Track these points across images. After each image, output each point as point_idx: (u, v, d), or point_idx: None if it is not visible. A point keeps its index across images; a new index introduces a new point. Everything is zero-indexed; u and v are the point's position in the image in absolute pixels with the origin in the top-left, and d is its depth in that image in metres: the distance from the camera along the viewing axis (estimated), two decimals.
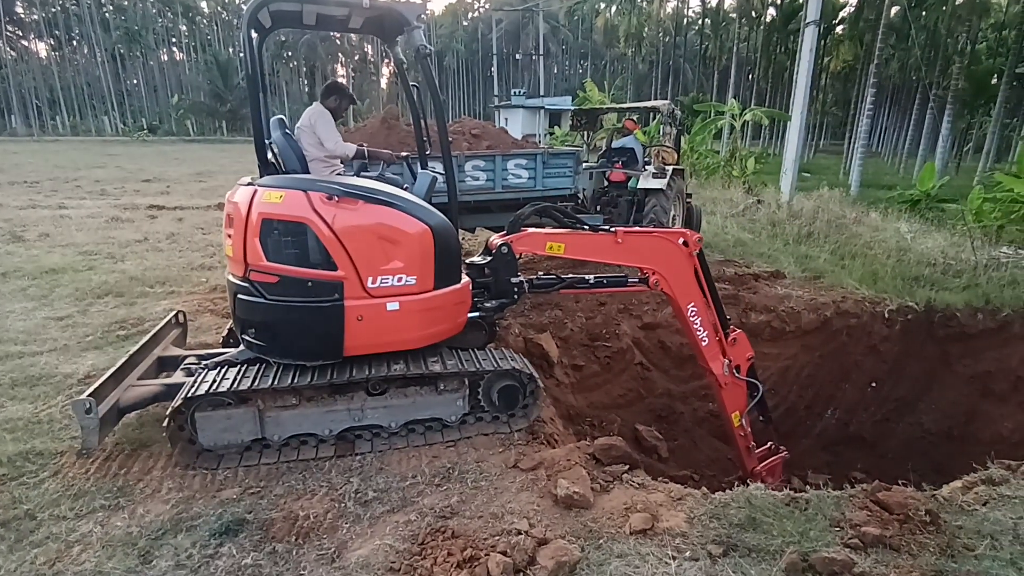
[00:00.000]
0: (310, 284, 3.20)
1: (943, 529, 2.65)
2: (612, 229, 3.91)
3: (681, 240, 4.00)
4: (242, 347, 3.59)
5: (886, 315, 6.75)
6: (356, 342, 3.32)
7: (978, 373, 6.66)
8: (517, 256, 3.93)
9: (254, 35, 3.50)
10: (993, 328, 6.67)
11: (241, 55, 3.48)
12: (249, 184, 3.37)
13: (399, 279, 3.33)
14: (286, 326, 3.26)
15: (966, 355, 6.78)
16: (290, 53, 65.49)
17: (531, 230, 3.95)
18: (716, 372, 4.30)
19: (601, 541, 2.58)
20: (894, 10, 27.79)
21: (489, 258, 3.95)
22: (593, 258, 3.98)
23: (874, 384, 6.92)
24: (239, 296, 3.29)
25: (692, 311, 4.11)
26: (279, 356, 3.37)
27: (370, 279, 3.26)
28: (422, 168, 4.33)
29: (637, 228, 4.35)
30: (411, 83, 4.01)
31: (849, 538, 2.57)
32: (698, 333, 4.17)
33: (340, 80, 4.71)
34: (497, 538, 2.57)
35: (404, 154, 4.82)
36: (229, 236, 3.30)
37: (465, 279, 3.75)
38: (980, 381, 6.64)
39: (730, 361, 4.31)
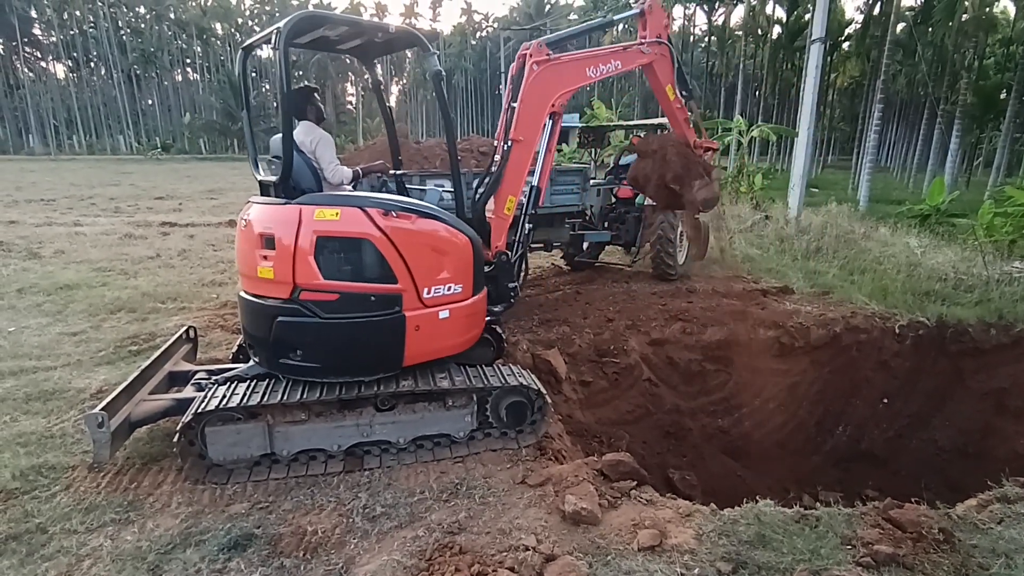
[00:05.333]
0: (373, 298, 3.28)
1: (957, 548, 2.62)
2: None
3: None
4: (252, 363, 3.62)
5: (897, 330, 6.69)
6: (413, 351, 3.45)
7: (992, 389, 6.57)
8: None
9: (250, 54, 3.64)
10: (1007, 343, 6.60)
11: (246, 75, 3.56)
12: (267, 203, 3.38)
13: (449, 288, 3.52)
14: (345, 343, 3.30)
15: (979, 371, 6.69)
16: (301, 72, 66.48)
17: (488, 206, 4.14)
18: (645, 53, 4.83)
19: (609, 558, 2.56)
20: (900, 26, 27.92)
21: (491, 267, 4.15)
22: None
23: (885, 400, 6.84)
24: (281, 319, 3.22)
25: None
26: (333, 375, 3.35)
27: (426, 289, 3.41)
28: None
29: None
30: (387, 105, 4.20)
31: (861, 556, 2.54)
32: None
33: (305, 84, 4.50)
34: (505, 554, 2.56)
35: (400, 172, 4.84)
36: (265, 258, 3.21)
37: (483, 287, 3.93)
38: (994, 397, 6.54)
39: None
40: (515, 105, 4.06)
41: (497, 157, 4.08)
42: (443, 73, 3.65)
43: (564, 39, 4.73)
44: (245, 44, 3.77)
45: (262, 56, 73.67)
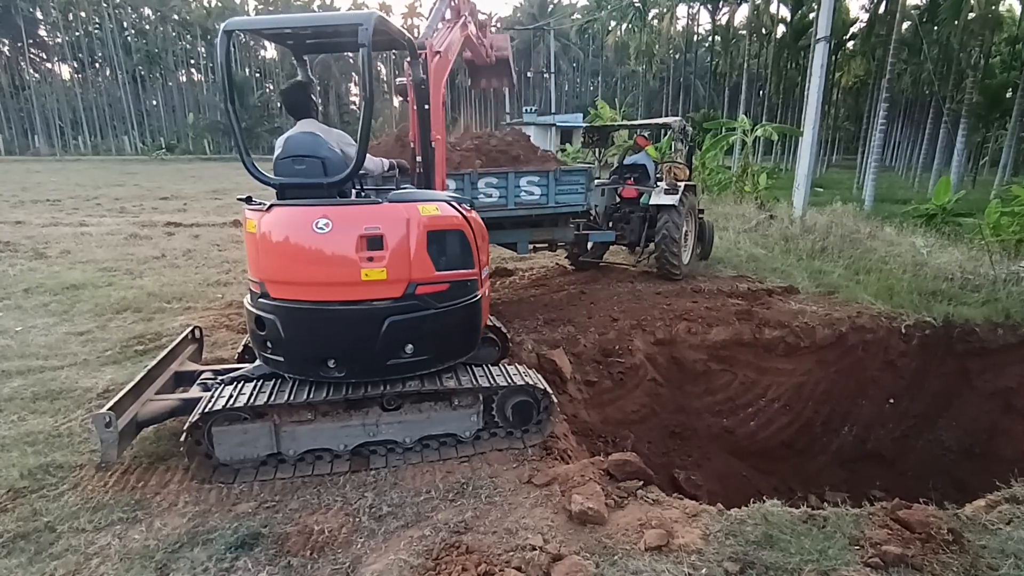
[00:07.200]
0: (468, 283, 3.51)
1: (966, 549, 2.61)
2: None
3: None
4: (258, 362, 3.62)
5: (903, 330, 6.66)
6: (482, 328, 3.86)
7: (999, 389, 6.54)
8: None
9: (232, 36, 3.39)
10: (1014, 343, 6.57)
11: (229, 61, 3.36)
12: (340, 205, 3.25)
13: (487, 270, 3.92)
14: (452, 329, 3.51)
15: (987, 371, 6.67)
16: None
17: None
18: None
19: (616, 557, 2.56)
20: (905, 25, 27.79)
21: None
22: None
23: (892, 400, 6.81)
24: (393, 319, 3.20)
25: None
26: (439, 363, 3.49)
27: (483, 272, 3.74)
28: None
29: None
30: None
31: (869, 557, 2.53)
32: None
33: (298, 80, 4.33)
34: (511, 554, 2.56)
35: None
36: (371, 260, 3.12)
37: None
38: (1002, 397, 6.52)
39: None
40: (427, 107, 4.02)
41: (420, 159, 4.08)
42: (426, 80, 3.87)
43: (434, 29, 4.86)
44: (228, 25, 3.23)
45: (266, 56, 73.91)
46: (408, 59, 3.81)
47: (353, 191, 3.78)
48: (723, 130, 19.23)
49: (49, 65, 63.48)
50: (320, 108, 3.87)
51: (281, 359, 3.37)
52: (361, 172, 3.73)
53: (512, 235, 6.45)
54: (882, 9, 31.78)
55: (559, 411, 4.11)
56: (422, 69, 3.84)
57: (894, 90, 29.35)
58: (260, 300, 3.35)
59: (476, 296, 3.60)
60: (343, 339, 3.26)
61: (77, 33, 60.02)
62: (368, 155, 3.66)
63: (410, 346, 3.31)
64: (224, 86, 3.38)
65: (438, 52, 4.30)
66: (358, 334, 3.25)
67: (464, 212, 3.57)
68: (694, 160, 13.21)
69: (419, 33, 4.73)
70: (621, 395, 5.89)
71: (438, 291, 3.33)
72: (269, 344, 3.38)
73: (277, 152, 3.47)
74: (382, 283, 3.18)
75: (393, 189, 3.87)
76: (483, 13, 6.51)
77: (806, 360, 6.61)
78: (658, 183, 8.21)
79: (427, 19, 5.13)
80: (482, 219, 3.99)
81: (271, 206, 3.28)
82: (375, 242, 3.13)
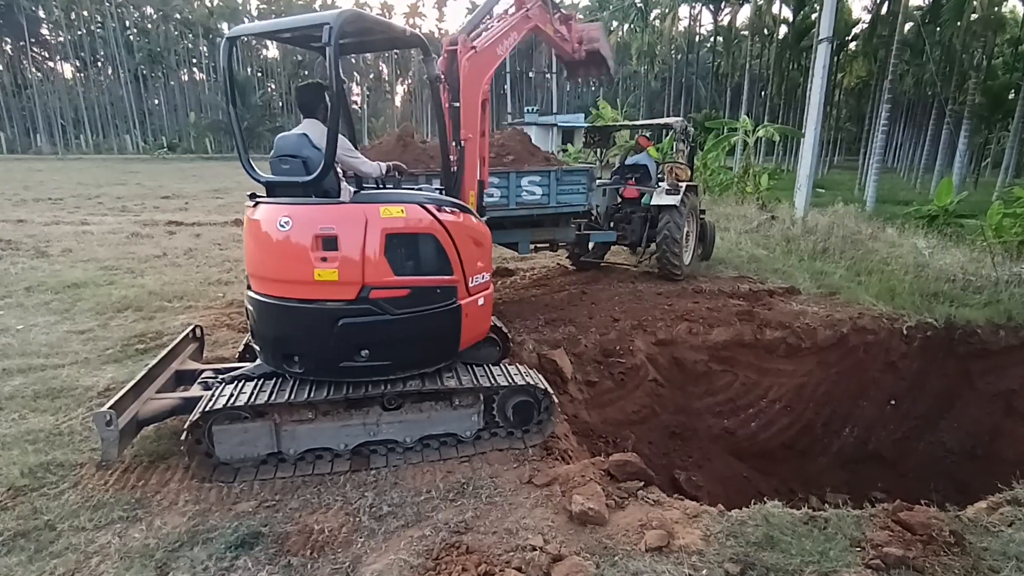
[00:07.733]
0: (439, 291, 3.37)
1: (968, 551, 2.60)
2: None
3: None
4: (258, 361, 3.62)
5: (904, 331, 6.66)
6: (465, 339, 3.62)
7: (1001, 391, 6.54)
8: None
9: (235, 44, 3.52)
10: (1016, 345, 6.56)
11: (231, 67, 3.48)
12: (308, 204, 3.26)
13: (483, 277, 3.73)
14: (414, 337, 3.36)
15: (988, 372, 6.66)
16: (307, 72, 66.70)
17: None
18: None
19: (616, 558, 2.55)
20: (908, 26, 27.76)
21: None
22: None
23: (893, 401, 6.81)
24: (345, 321, 3.18)
25: None
26: (401, 371, 3.41)
27: (471, 279, 3.57)
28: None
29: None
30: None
31: (870, 559, 2.52)
32: None
33: (316, 81, 4.31)
34: (512, 554, 2.56)
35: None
36: (325, 260, 3.11)
37: None
38: (1004, 399, 6.51)
39: None
40: (457, 105, 3.99)
41: (453, 158, 4.03)
42: (441, 77, 3.79)
43: (477, 24, 4.77)
44: (231, 33, 3.47)
45: (268, 56, 73.98)
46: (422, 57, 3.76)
47: (347, 191, 3.77)
48: (725, 131, 19.21)
49: (51, 64, 63.54)
50: (327, 108, 3.86)
51: (259, 349, 3.53)
52: (355, 174, 3.77)
53: (513, 235, 6.44)
54: (884, 10, 31.70)
55: (560, 411, 4.11)
56: (439, 65, 3.83)
57: (896, 91, 29.30)
58: (247, 292, 3.49)
59: (450, 304, 3.45)
60: (301, 337, 3.30)
61: (79, 32, 60.03)
62: (363, 158, 3.73)
63: (365, 351, 3.24)
64: (226, 90, 3.53)
65: (473, 48, 4.16)
66: (312, 333, 3.26)
67: (443, 216, 3.39)
68: (696, 160, 13.21)
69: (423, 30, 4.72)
70: (622, 395, 5.88)
71: (396, 296, 3.23)
72: (252, 334, 3.55)
73: (272, 151, 3.54)
74: (334, 284, 3.15)
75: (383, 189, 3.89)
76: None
77: (807, 361, 6.61)
78: (659, 183, 8.20)
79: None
80: (484, 219, 3.96)
81: (257, 203, 3.39)
82: (329, 242, 3.11)
